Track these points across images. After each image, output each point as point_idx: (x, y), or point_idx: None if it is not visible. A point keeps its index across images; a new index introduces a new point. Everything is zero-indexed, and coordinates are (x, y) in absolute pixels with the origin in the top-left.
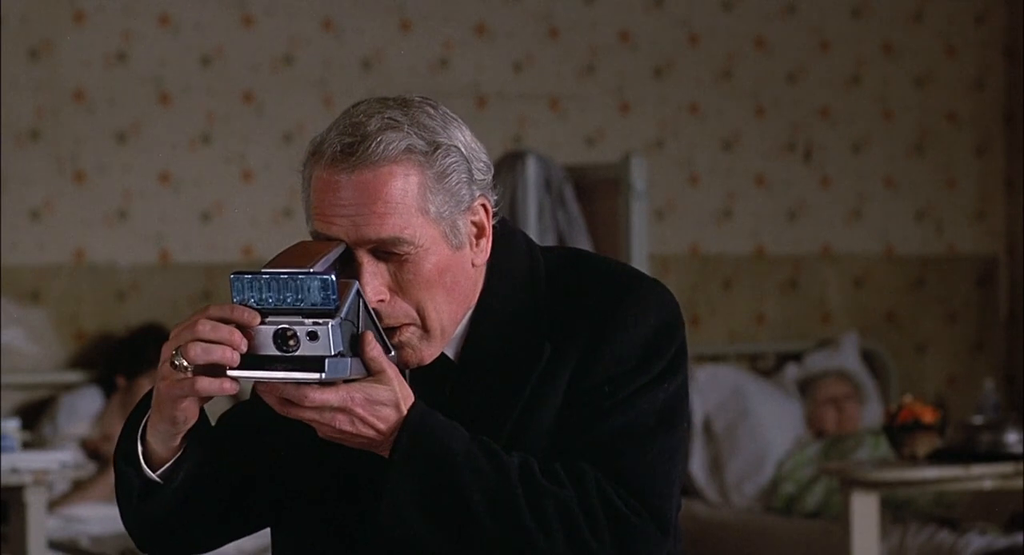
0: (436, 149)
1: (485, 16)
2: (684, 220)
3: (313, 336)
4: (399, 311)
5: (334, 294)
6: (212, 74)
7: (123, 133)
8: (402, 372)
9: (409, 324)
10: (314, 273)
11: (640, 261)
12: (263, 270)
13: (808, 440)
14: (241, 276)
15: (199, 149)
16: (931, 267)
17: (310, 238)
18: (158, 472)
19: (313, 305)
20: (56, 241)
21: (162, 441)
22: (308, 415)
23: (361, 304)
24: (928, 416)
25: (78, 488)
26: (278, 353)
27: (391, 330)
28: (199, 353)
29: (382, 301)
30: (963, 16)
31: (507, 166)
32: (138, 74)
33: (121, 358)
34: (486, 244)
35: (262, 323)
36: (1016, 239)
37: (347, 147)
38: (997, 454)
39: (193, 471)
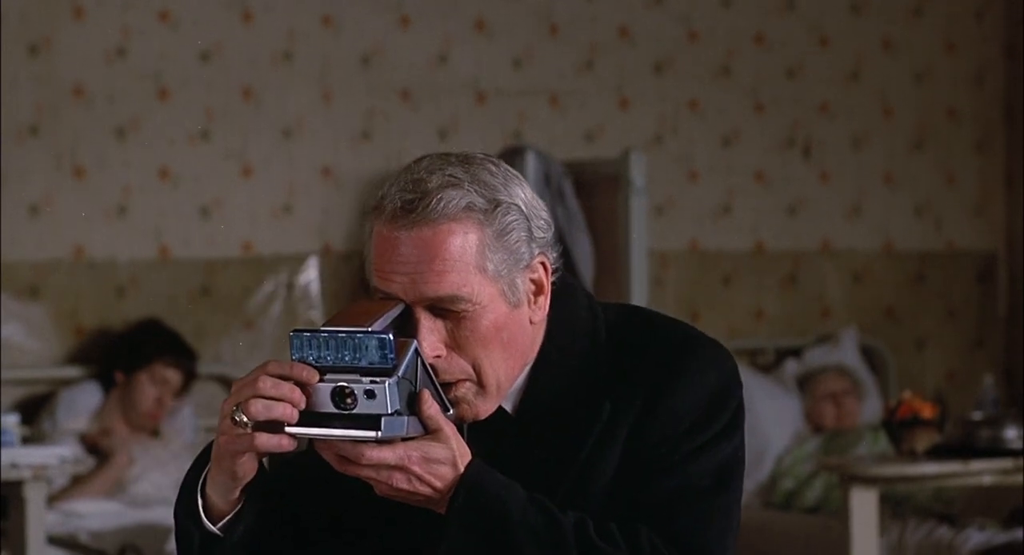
0: (496, 207)
1: (484, 12)
2: (683, 216)
3: (370, 394)
4: (455, 367)
5: (392, 353)
6: (211, 69)
7: (122, 128)
8: (459, 425)
9: (465, 380)
10: (372, 332)
11: (639, 257)
12: (322, 328)
13: (807, 435)
14: (300, 334)
15: (198, 144)
16: (930, 263)
17: (310, 233)
18: (218, 525)
19: (371, 364)
20: (55, 236)
21: (222, 494)
22: (365, 473)
23: (419, 363)
24: (927, 412)
25: (77, 483)
26: (336, 411)
27: (447, 385)
28: (260, 410)
29: (439, 357)
30: (963, 12)
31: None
32: (137, 70)
33: (119, 354)
34: (544, 302)
35: (320, 381)
36: (1016, 235)
37: (407, 204)
38: (996, 450)
39: (252, 524)
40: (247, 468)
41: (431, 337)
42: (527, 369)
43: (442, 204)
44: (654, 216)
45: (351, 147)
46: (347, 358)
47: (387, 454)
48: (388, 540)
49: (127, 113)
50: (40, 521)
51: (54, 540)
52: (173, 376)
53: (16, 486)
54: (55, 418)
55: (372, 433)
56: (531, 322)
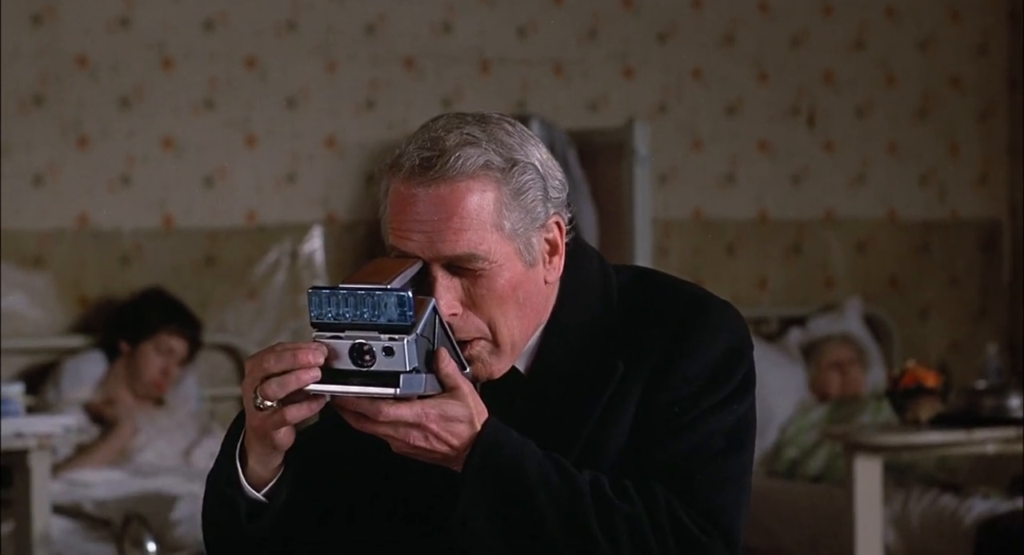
0: (513, 166)
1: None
2: (687, 185)
3: (389, 352)
4: (471, 326)
5: (410, 311)
6: (215, 39)
7: (126, 98)
8: (473, 384)
9: (480, 338)
10: (391, 290)
11: (643, 226)
12: (341, 285)
13: (811, 405)
14: (319, 291)
15: (202, 114)
16: (934, 232)
17: (314, 203)
18: (263, 492)
19: (389, 321)
20: (59, 206)
21: (264, 464)
22: (383, 430)
23: (437, 320)
24: (931, 381)
25: (82, 452)
26: (355, 368)
27: (462, 343)
28: (276, 390)
29: (455, 315)
30: None
31: None
32: (141, 39)
33: (124, 323)
34: (559, 262)
35: (339, 338)
36: (1019, 204)
37: (425, 161)
38: (1000, 418)
39: (294, 487)
40: (286, 439)
41: (447, 295)
42: (540, 329)
43: (460, 162)
44: (658, 185)
45: (355, 116)
46: (366, 315)
47: (405, 411)
48: (405, 499)
49: (131, 83)
50: (45, 490)
51: (59, 509)
52: (178, 345)
53: (21, 455)
54: (59, 388)
55: (390, 390)
56: (545, 282)
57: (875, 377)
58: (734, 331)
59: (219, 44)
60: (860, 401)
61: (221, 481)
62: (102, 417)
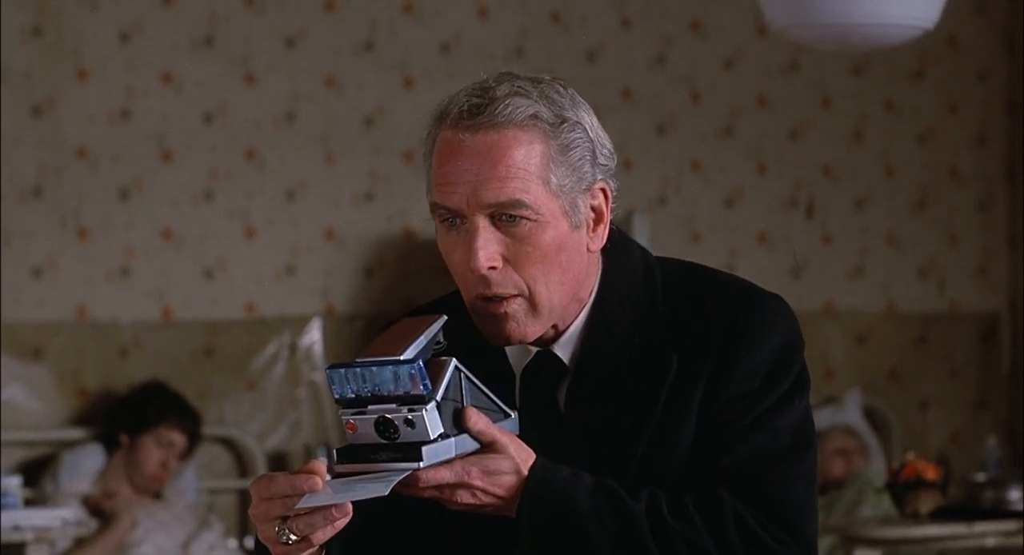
0: (562, 122)
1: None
2: None
3: (410, 423)
4: (509, 281)
5: (425, 380)
6: (214, 131)
7: (126, 189)
8: (513, 379)
9: (517, 295)
10: (403, 361)
11: None
12: (356, 361)
13: None
14: (337, 369)
15: (202, 205)
16: (933, 324)
17: (313, 295)
18: None
19: (407, 393)
20: (58, 297)
21: None
22: (428, 494)
23: (462, 378)
24: (931, 473)
25: (80, 546)
26: (382, 441)
27: (499, 299)
28: (302, 527)
29: (494, 269)
30: (965, 72)
31: None
32: (141, 131)
33: (123, 416)
34: (603, 231)
35: (363, 413)
36: (1018, 296)
37: (474, 107)
38: (1000, 511)
39: None
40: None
41: (489, 247)
42: (583, 314)
43: (509, 110)
44: None
45: (354, 208)
46: (383, 389)
47: (444, 474)
48: (463, 543)
49: (130, 174)
50: None
51: None
52: (178, 439)
53: (19, 548)
54: (58, 480)
55: (415, 464)
56: (589, 250)
57: (875, 469)
58: (788, 325)
59: (218, 136)
60: (856, 488)
61: None
62: (101, 510)
